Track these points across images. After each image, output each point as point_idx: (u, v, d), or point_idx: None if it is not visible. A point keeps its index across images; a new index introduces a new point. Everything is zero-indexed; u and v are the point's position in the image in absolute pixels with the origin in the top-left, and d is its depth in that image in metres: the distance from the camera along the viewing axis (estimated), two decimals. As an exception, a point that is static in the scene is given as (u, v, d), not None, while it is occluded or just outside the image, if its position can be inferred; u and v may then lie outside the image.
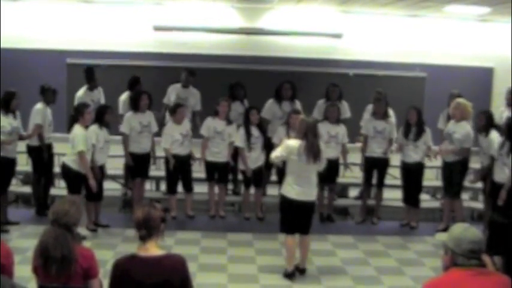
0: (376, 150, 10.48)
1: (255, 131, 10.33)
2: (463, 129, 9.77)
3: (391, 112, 10.90)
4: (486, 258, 4.38)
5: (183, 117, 10.32)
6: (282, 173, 8.50)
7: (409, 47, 13.05)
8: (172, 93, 11.20)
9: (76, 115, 9.17)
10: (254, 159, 10.39)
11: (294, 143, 7.67)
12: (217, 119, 10.39)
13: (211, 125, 10.38)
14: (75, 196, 8.58)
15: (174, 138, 10.21)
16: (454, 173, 9.98)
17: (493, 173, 9.23)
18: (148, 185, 11.28)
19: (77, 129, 9.00)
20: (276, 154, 7.80)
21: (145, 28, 12.57)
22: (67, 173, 9.15)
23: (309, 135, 7.58)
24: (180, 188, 10.51)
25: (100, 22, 12.57)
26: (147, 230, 4.28)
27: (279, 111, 10.88)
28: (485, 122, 9.72)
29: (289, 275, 7.84)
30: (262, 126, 10.50)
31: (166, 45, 12.67)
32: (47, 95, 10.14)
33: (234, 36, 12.96)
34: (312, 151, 7.55)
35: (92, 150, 9.20)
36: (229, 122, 10.45)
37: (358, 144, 10.98)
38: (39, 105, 10.06)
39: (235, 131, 10.45)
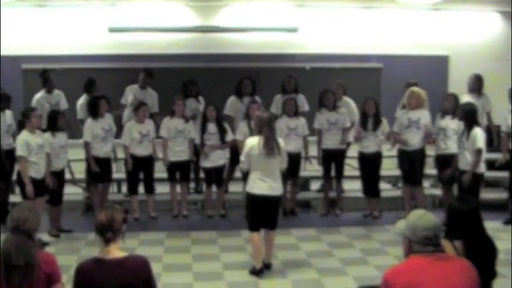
0: (331, 141, 10.55)
1: (211, 127, 10.33)
2: (425, 116, 9.93)
3: (349, 100, 11.06)
4: (446, 242, 4.44)
5: (145, 115, 10.30)
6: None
7: (364, 39, 13.12)
8: (130, 94, 11.18)
9: (23, 120, 9.04)
10: (215, 157, 10.40)
11: (252, 140, 7.71)
12: (175, 118, 10.38)
13: (170, 125, 10.36)
14: (31, 202, 8.47)
15: (132, 136, 10.19)
16: (415, 161, 10.07)
17: (458, 160, 9.36)
18: (110, 188, 11.19)
19: (22, 134, 8.87)
20: (241, 159, 7.83)
21: (100, 30, 12.46)
22: (20, 179, 9.00)
23: (264, 129, 7.60)
24: (141, 189, 10.47)
25: (54, 26, 12.44)
26: (113, 232, 4.26)
27: (242, 107, 10.85)
28: (453, 103, 9.84)
29: (257, 272, 7.79)
30: (221, 123, 10.48)
31: (122, 47, 12.58)
32: (1, 101, 10.04)
33: (190, 35, 12.93)
34: (269, 144, 7.55)
35: (47, 158, 9.11)
36: (186, 119, 10.45)
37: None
38: None
39: (193, 128, 10.48)
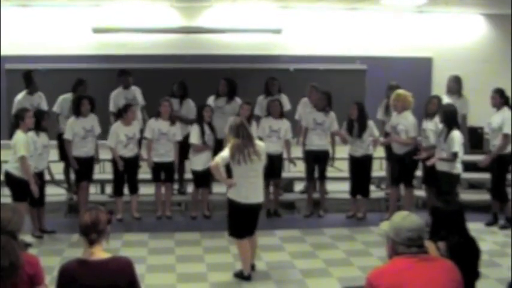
0: (316, 142, 10.56)
1: (206, 129, 10.30)
2: (405, 120, 9.88)
3: None
4: (429, 244, 4.45)
5: (133, 117, 10.28)
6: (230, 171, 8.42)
7: (348, 40, 13.16)
8: (119, 98, 11.08)
9: (17, 121, 8.99)
10: (205, 159, 10.24)
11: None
12: (160, 120, 10.36)
13: (155, 126, 10.35)
14: (21, 204, 8.44)
15: (119, 138, 10.15)
16: (406, 164, 10.08)
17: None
18: (93, 189, 11.17)
19: (18, 134, 8.80)
20: (217, 159, 7.51)
21: (84, 30, 12.40)
22: (10, 180, 8.98)
23: (240, 133, 7.42)
24: (126, 190, 10.44)
25: (38, 26, 12.38)
26: (97, 233, 4.25)
27: (211, 105, 10.88)
28: (437, 107, 9.87)
29: (246, 278, 7.73)
30: (212, 124, 10.49)
31: (106, 47, 12.53)
32: None
33: (174, 36, 12.91)
34: (244, 151, 7.37)
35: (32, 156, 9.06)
36: (172, 122, 10.42)
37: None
38: None
39: (179, 130, 10.47)
